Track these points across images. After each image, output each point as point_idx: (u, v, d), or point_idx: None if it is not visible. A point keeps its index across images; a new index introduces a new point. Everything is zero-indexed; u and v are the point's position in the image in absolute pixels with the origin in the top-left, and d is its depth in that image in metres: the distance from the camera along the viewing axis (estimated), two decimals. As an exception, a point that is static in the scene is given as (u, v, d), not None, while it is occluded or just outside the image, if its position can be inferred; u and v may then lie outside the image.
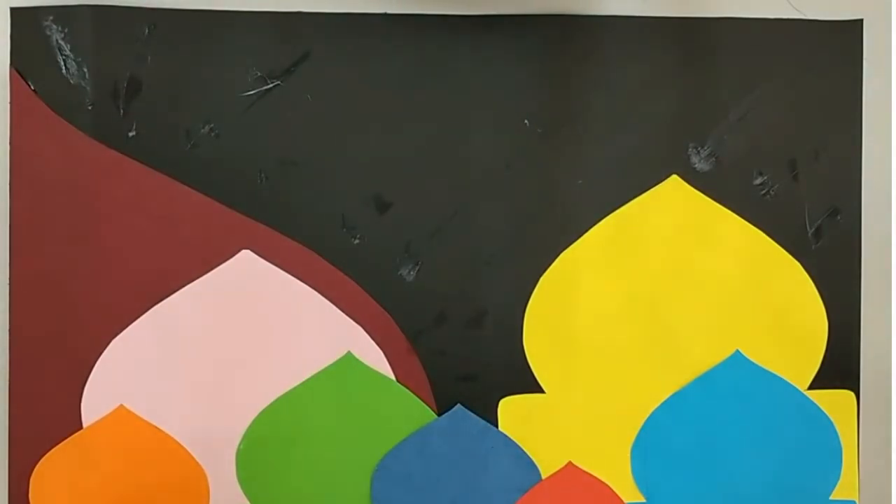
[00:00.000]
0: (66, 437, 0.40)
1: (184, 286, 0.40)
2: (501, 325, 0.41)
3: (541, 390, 0.41)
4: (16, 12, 0.39)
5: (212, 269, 0.40)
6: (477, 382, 0.41)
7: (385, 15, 0.41)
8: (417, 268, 0.41)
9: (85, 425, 0.40)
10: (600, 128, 0.41)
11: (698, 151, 0.42)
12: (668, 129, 0.42)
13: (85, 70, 0.40)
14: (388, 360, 0.41)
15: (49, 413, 0.40)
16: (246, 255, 0.40)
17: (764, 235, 0.42)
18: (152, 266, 0.40)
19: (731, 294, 0.42)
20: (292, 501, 0.41)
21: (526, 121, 0.41)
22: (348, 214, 0.41)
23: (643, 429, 0.42)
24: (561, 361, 0.41)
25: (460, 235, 0.41)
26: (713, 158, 0.42)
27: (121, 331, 0.40)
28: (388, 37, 0.41)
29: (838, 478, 0.42)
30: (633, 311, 0.42)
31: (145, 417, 0.40)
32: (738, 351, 0.42)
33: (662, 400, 0.42)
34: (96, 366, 0.40)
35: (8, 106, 0.40)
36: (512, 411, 0.41)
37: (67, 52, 0.40)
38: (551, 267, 0.41)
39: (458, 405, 0.41)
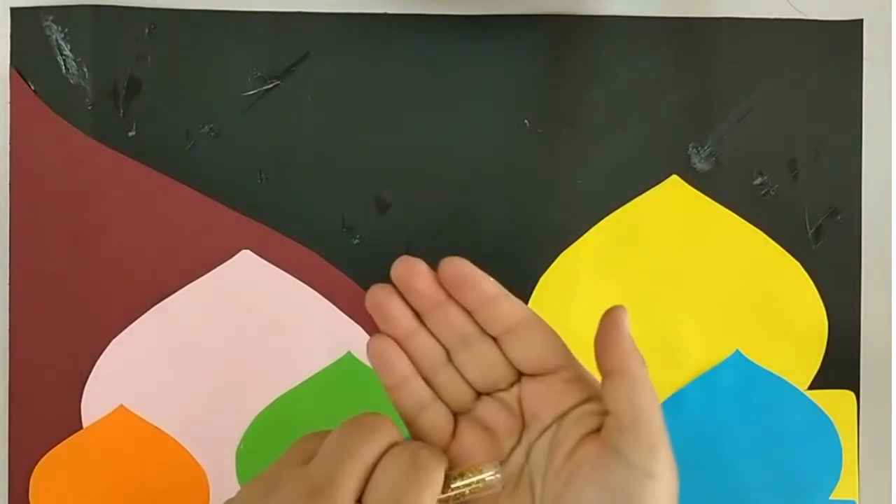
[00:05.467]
0: (66, 437, 0.40)
1: (184, 286, 0.40)
2: (501, 325, 0.41)
3: (541, 390, 0.41)
4: (16, 12, 0.39)
5: (212, 269, 0.40)
6: (477, 382, 0.41)
7: (385, 15, 0.41)
8: (417, 268, 0.41)
9: (85, 425, 0.40)
10: (600, 128, 0.41)
11: (698, 151, 0.42)
12: (668, 129, 0.42)
13: (85, 70, 0.40)
14: (388, 360, 0.41)
15: (49, 413, 0.40)
16: (246, 255, 0.40)
17: (764, 235, 0.42)
18: (152, 266, 0.40)
19: (730, 294, 0.42)
20: (292, 501, 0.41)
21: (526, 121, 0.41)
22: (348, 214, 0.41)
23: (643, 429, 0.42)
24: (561, 361, 0.41)
25: (460, 235, 0.41)
26: (713, 158, 0.42)
27: (121, 331, 0.40)
28: (388, 37, 0.41)
29: (838, 478, 0.42)
30: (632, 311, 0.41)
31: (145, 417, 0.40)
32: (738, 351, 0.42)
33: (662, 400, 0.42)
34: (96, 366, 0.40)
35: (8, 106, 0.40)
36: (512, 411, 0.41)
37: (67, 52, 0.40)
38: (551, 267, 0.41)
39: (458, 405, 0.41)
